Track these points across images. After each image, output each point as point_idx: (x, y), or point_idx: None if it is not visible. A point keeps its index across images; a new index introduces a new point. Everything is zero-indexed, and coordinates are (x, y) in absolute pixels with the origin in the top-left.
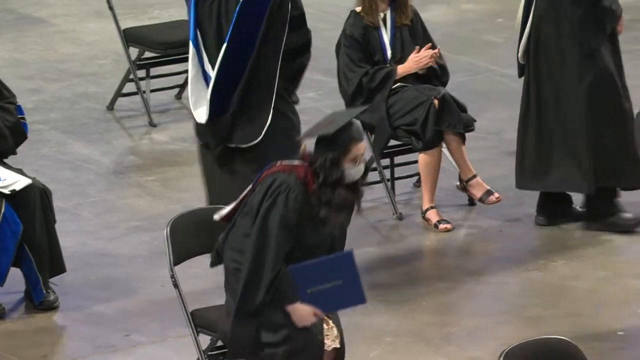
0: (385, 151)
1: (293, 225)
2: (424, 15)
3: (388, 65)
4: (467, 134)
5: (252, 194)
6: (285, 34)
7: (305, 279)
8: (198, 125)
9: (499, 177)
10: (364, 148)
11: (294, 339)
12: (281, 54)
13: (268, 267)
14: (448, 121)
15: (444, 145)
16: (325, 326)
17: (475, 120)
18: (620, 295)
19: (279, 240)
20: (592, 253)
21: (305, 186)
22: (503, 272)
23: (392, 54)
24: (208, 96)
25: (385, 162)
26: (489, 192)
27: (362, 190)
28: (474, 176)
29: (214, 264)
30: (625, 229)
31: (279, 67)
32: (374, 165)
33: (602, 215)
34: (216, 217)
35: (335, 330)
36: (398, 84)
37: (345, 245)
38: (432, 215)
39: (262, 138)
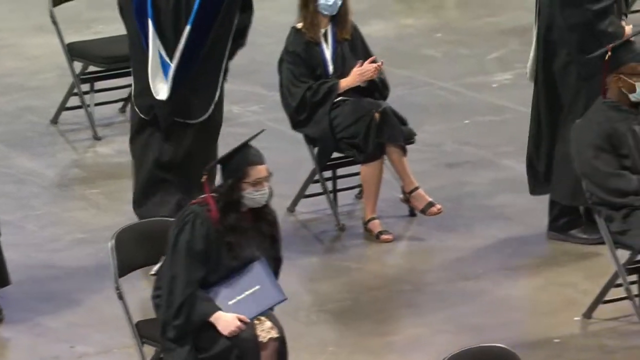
0: (328, 163)
1: (201, 251)
2: (364, 30)
3: (330, 79)
4: (407, 147)
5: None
6: (237, 16)
7: (222, 295)
8: (145, 101)
9: (438, 188)
10: (264, 171)
11: (226, 340)
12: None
13: (178, 293)
14: (389, 134)
15: (385, 157)
16: (255, 321)
17: (415, 135)
18: (555, 303)
19: (187, 266)
20: (528, 263)
21: (210, 213)
22: (443, 281)
23: (334, 68)
24: (171, 74)
25: (328, 174)
26: (430, 204)
27: (271, 214)
28: (416, 188)
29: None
30: (588, 242)
31: (229, 46)
32: (317, 177)
33: (567, 227)
34: (151, 273)
35: (267, 322)
36: (340, 97)
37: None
38: (374, 226)
39: (209, 114)
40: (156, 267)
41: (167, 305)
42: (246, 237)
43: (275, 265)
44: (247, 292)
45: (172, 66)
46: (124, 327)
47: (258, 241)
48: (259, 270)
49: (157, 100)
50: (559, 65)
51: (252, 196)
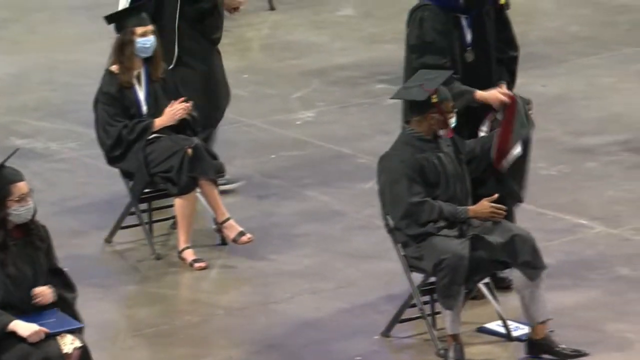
0: (143, 196)
1: None
2: None
3: (144, 118)
4: (219, 180)
5: None
6: None
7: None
8: None
9: (248, 218)
10: (26, 187)
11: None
12: None
13: None
14: (201, 168)
15: (198, 190)
16: (57, 337)
17: (225, 171)
18: (357, 324)
19: None
20: (331, 286)
21: None
22: (253, 306)
23: (147, 108)
24: None
25: (144, 206)
26: (241, 233)
27: (40, 227)
28: (228, 218)
29: None
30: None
31: (178, 8)
32: (133, 209)
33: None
34: None
35: (69, 336)
36: (155, 134)
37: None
38: (188, 255)
39: (174, 68)
40: None
41: None
42: (16, 252)
43: (60, 278)
44: (43, 321)
45: None
46: None
47: (31, 256)
48: (55, 311)
49: None
50: None
51: (18, 212)
